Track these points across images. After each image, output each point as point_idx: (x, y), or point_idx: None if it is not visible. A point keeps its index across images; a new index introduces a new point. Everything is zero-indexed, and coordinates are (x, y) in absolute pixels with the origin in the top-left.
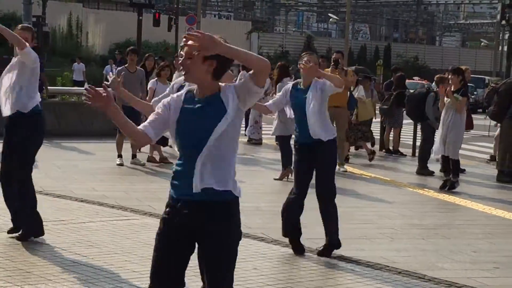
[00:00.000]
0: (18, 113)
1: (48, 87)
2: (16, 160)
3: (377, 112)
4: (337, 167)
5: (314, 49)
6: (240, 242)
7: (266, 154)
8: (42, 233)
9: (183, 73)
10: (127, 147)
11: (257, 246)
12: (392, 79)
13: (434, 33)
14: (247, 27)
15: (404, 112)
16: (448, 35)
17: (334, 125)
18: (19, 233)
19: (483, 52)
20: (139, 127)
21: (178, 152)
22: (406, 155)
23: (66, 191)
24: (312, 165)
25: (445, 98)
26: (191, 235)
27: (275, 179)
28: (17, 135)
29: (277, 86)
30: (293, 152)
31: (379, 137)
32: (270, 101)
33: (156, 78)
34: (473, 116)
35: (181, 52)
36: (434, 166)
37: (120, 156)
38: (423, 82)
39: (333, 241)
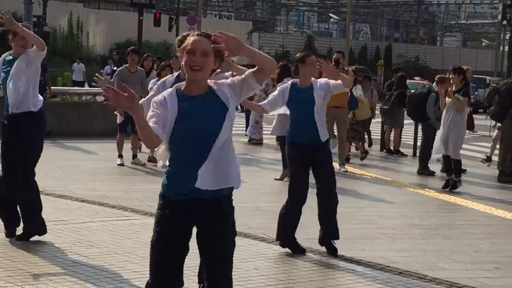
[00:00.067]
0: (29, 112)
1: (51, 87)
2: (22, 160)
3: (377, 112)
4: (338, 167)
5: (315, 49)
6: (241, 242)
7: (267, 154)
8: (45, 232)
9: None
10: (127, 147)
11: (257, 246)
12: (393, 79)
13: (435, 33)
14: (248, 27)
15: (405, 112)
16: (449, 35)
17: (335, 125)
18: (21, 233)
19: (484, 52)
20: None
21: None
22: (407, 155)
23: (66, 191)
24: (310, 165)
25: (446, 98)
26: (188, 233)
27: (275, 179)
28: (26, 134)
29: (278, 86)
30: (290, 152)
31: (379, 137)
32: (265, 101)
33: (156, 78)
34: (474, 116)
35: (177, 54)
36: (435, 166)
37: (120, 156)
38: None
39: (332, 229)
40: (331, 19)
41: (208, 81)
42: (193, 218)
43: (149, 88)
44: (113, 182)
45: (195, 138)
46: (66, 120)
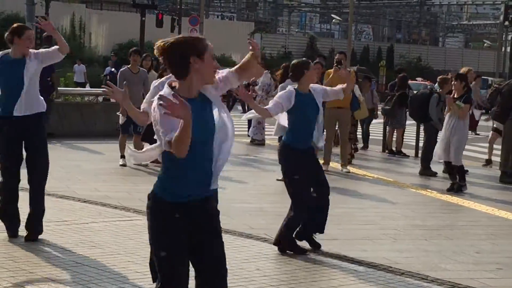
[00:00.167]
0: (42, 113)
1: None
2: (43, 162)
3: (379, 113)
4: (340, 167)
5: (317, 50)
6: (243, 243)
7: (269, 155)
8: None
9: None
10: None
11: (260, 246)
12: (396, 80)
13: (437, 34)
14: (250, 28)
15: (407, 113)
16: (451, 36)
17: (337, 126)
18: (31, 233)
19: (486, 53)
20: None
21: None
22: (409, 156)
23: (69, 192)
24: (309, 170)
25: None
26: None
27: (278, 180)
28: (39, 135)
29: (280, 86)
30: (290, 157)
31: (381, 138)
32: (271, 105)
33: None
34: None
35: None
36: (437, 167)
37: (123, 156)
38: (426, 83)
39: (319, 223)
40: (333, 20)
41: None
42: (201, 216)
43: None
44: (116, 183)
45: (199, 140)
46: (69, 121)
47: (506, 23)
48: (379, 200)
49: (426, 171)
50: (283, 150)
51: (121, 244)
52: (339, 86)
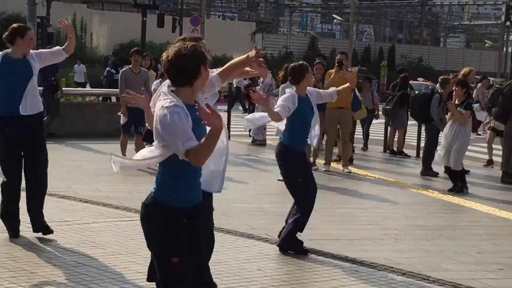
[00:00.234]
0: (41, 113)
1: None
2: (45, 160)
3: (380, 113)
4: (341, 168)
5: (318, 50)
6: (244, 243)
7: (270, 155)
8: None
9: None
10: (131, 147)
11: (261, 247)
12: (398, 80)
13: (438, 34)
14: (251, 28)
15: (409, 113)
16: (453, 36)
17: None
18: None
19: (487, 53)
20: (194, 143)
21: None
22: (410, 156)
23: (70, 192)
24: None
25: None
26: None
27: (279, 180)
28: (41, 135)
29: (281, 87)
30: (293, 159)
31: (383, 138)
32: (280, 108)
33: (160, 80)
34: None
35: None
36: (438, 167)
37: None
38: (428, 83)
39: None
40: (335, 20)
41: None
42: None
43: (152, 89)
44: (117, 183)
45: None
46: (70, 121)
47: (508, 23)
48: (381, 201)
49: (428, 172)
50: (284, 152)
51: (122, 244)
52: (342, 87)
